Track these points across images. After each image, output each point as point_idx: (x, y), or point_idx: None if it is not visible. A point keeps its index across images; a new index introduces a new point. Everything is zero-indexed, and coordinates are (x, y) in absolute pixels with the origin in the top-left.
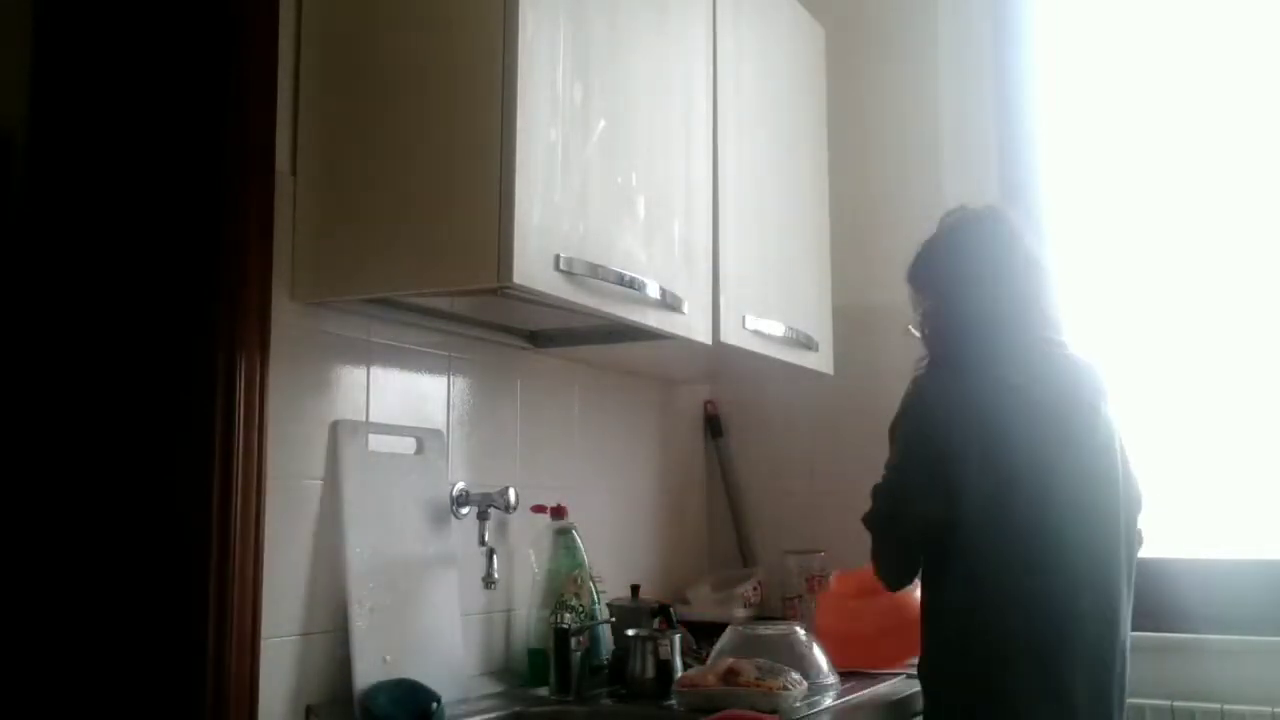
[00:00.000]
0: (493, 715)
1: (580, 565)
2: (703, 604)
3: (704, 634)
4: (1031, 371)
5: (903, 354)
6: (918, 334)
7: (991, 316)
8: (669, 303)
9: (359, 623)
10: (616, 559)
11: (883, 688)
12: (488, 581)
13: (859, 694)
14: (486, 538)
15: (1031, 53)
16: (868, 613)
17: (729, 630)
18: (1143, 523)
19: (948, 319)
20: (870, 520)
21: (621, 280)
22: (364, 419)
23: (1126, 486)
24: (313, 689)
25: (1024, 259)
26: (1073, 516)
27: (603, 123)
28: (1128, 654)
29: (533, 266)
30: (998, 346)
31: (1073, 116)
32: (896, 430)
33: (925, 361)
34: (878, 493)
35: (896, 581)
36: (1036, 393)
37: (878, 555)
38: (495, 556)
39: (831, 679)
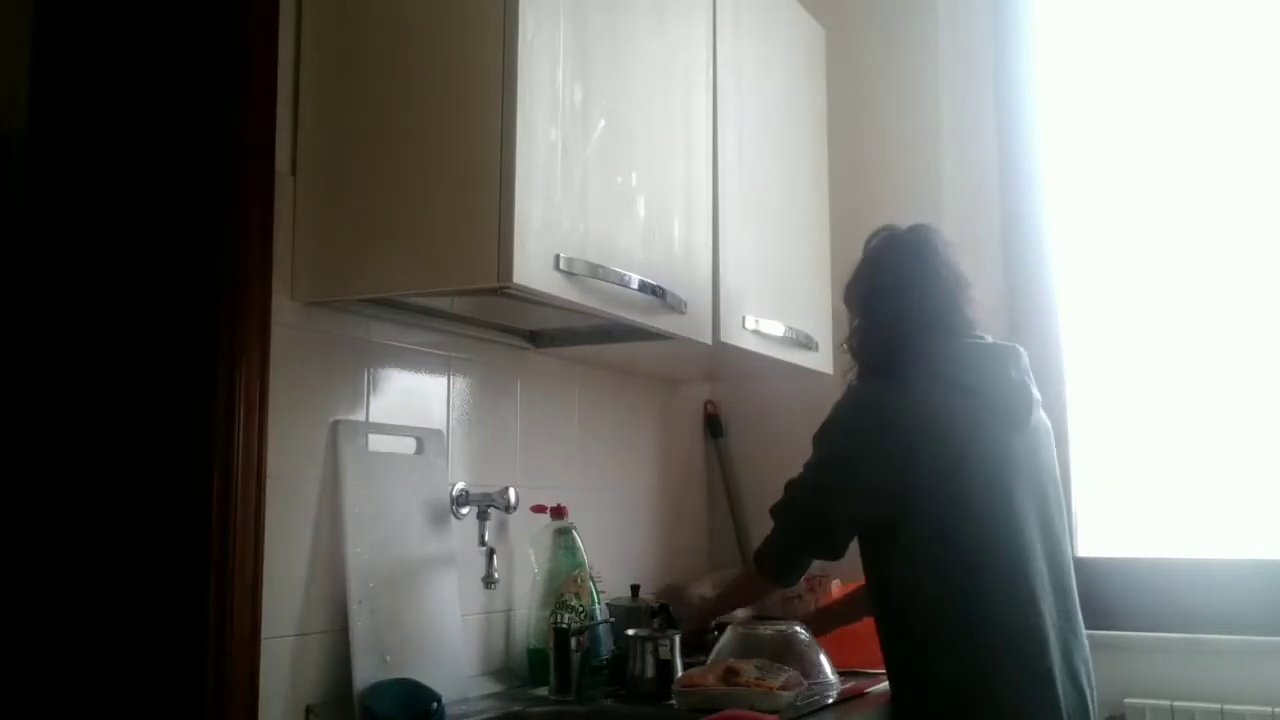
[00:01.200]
0: (493, 715)
1: (580, 565)
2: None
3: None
4: (963, 363)
5: None
6: (848, 350)
7: (918, 324)
8: (669, 303)
9: (359, 623)
10: (616, 559)
11: (882, 687)
12: (488, 581)
13: (859, 694)
14: (486, 538)
15: (1031, 53)
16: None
17: (729, 630)
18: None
19: (877, 331)
20: (782, 511)
21: (621, 280)
22: (364, 419)
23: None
24: (313, 689)
25: (944, 270)
26: (1026, 504)
27: (603, 123)
28: (1084, 639)
29: (533, 266)
30: (927, 348)
31: (1073, 116)
32: (828, 434)
33: (855, 372)
34: (797, 486)
35: (788, 575)
36: (972, 379)
37: (774, 546)
38: (495, 556)
39: (831, 679)
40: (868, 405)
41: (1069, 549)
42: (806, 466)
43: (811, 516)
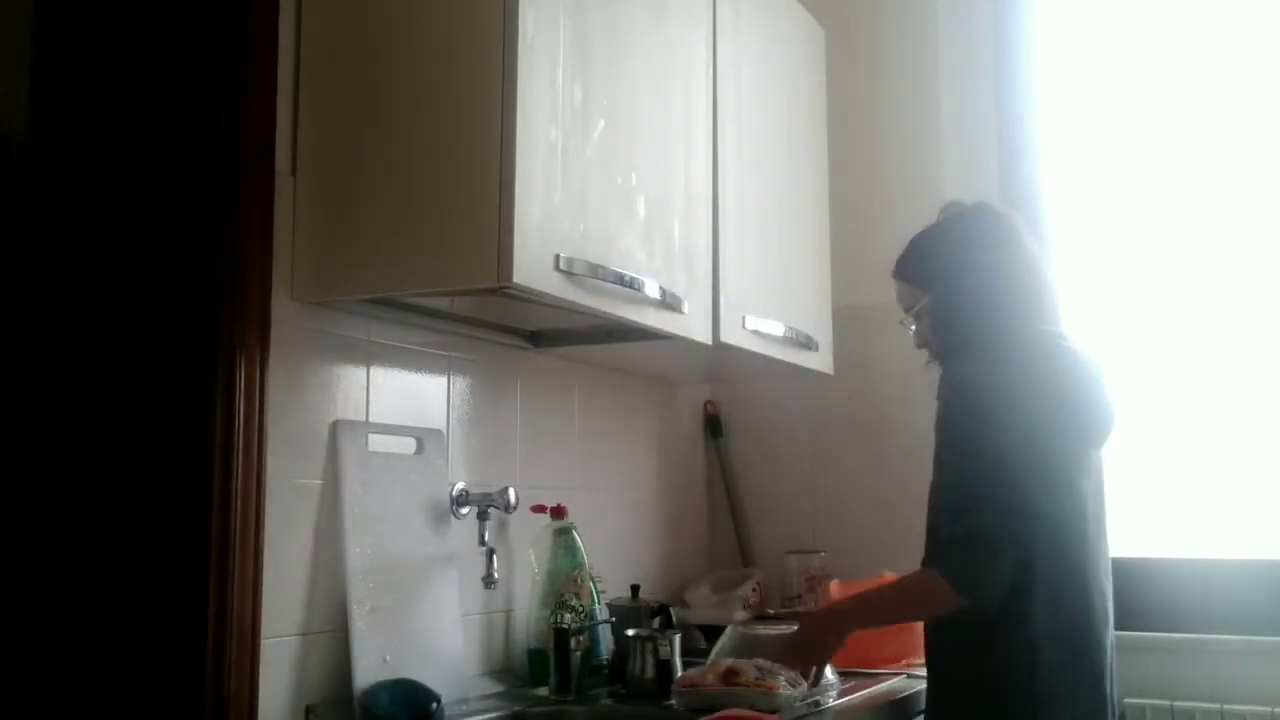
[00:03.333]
0: (493, 715)
1: (580, 565)
2: (702, 605)
3: (708, 636)
4: (1056, 366)
5: (902, 354)
6: (913, 327)
7: (994, 307)
8: (669, 303)
9: (359, 623)
10: (616, 559)
11: (882, 688)
12: (488, 581)
13: (859, 694)
14: (486, 538)
15: (1031, 52)
16: None
17: (729, 630)
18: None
19: (956, 309)
20: (966, 526)
21: (621, 280)
22: (364, 419)
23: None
24: (313, 689)
25: (1022, 252)
26: (1091, 511)
27: (603, 123)
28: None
29: (533, 266)
30: (1011, 338)
31: (1073, 116)
32: (963, 425)
33: (938, 354)
34: (964, 497)
35: (996, 595)
36: (1067, 390)
37: (972, 562)
38: (495, 556)
39: (832, 678)
40: (983, 384)
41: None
42: (961, 472)
43: (1018, 520)
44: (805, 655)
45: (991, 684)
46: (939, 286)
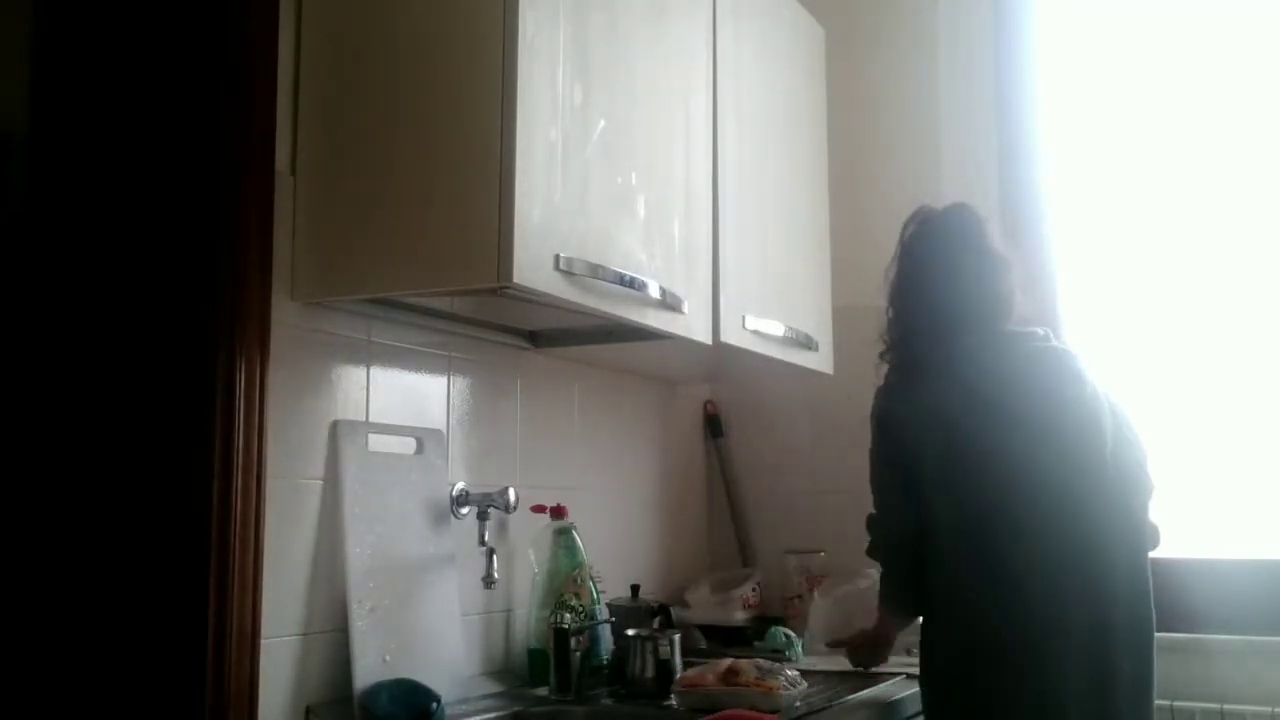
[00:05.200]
0: (493, 715)
1: (580, 565)
2: (702, 605)
3: (708, 636)
4: (988, 368)
5: None
6: (882, 344)
7: (946, 317)
8: (669, 303)
9: (359, 623)
10: (616, 559)
11: (882, 688)
12: (488, 581)
13: (859, 694)
14: (486, 538)
15: (1031, 52)
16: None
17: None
18: (1154, 516)
19: (906, 325)
20: (871, 552)
21: (621, 280)
22: (364, 419)
23: (1122, 477)
24: (313, 689)
25: (976, 254)
26: (1047, 515)
27: (603, 123)
28: (1146, 652)
29: (533, 266)
30: (956, 347)
31: (1073, 116)
32: (872, 447)
33: (885, 371)
34: (870, 522)
35: (906, 608)
36: (991, 390)
37: (884, 584)
38: (495, 556)
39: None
40: (876, 411)
41: (1106, 551)
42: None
43: (890, 546)
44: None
45: (941, 687)
46: (893, 304)
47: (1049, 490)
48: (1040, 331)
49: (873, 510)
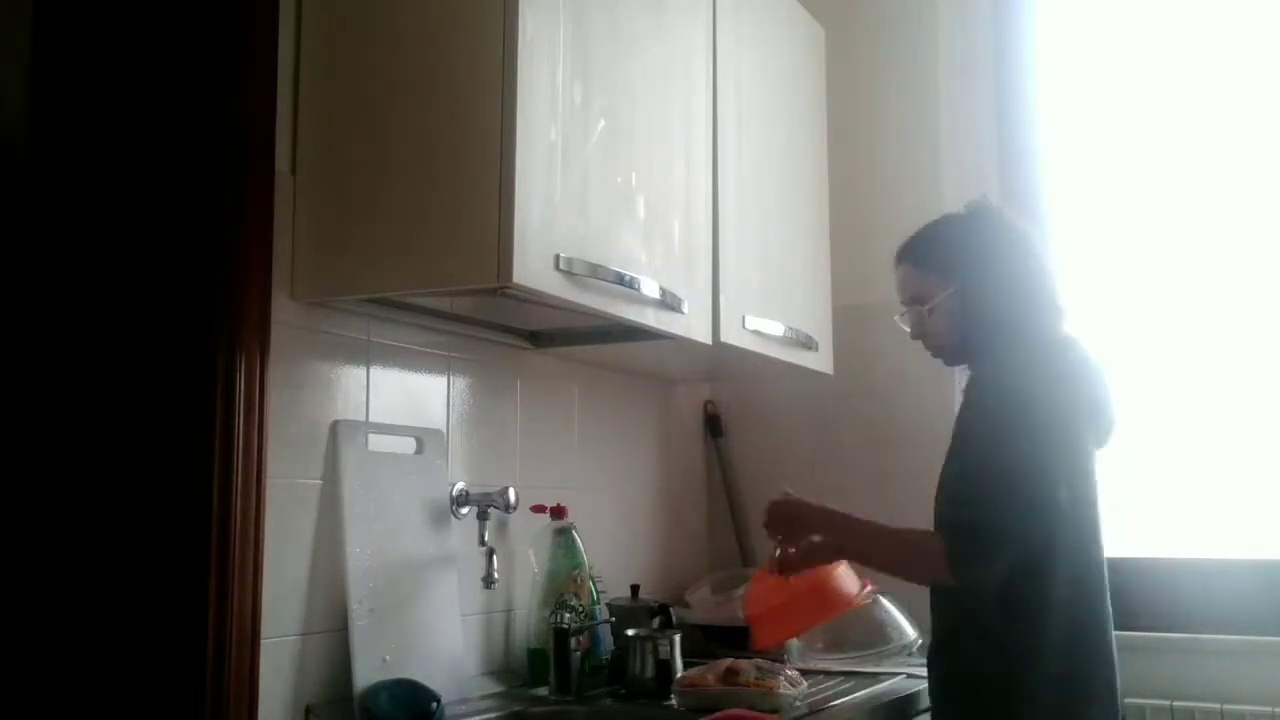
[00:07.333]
0: (493, 715)
1: (580, 565)
2: (702, 605)
3: (708, 636)
4: (1073, 368)
5: (902, 354)
6: (928, 315)
7: (1018, 305)
8: (669, 303)
9: (359, 623)
10: (616, 559)
11: (883, 687)
12: (488, 581)
13: (859, 694)
14: (486, 538)
15: (1031, 52)
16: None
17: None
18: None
19: (985, 302)
20: (993, 515)
21: (621, 280)
22: (364, 419)
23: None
24: (313, 689)
25: (1037, 255)
26: (1096, 520)
27: (603, 123)
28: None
29: (533, 266)
30: (1033, 336)
31: (1073, 116)
32: (998, 417)
33: (955, 347)
34: (995, 493)
35: (984, 586)
36: (1083, 392)
37: (979, 557)
38: (495, 556)
39: (913, 635)
40: (1026, 387)
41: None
42: (1004, 460)
43: (1033, 518)
44: (788, 527)
45: (999, 688)
46: (967, 276)
47: (1096, 496)
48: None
49: (975, 478)
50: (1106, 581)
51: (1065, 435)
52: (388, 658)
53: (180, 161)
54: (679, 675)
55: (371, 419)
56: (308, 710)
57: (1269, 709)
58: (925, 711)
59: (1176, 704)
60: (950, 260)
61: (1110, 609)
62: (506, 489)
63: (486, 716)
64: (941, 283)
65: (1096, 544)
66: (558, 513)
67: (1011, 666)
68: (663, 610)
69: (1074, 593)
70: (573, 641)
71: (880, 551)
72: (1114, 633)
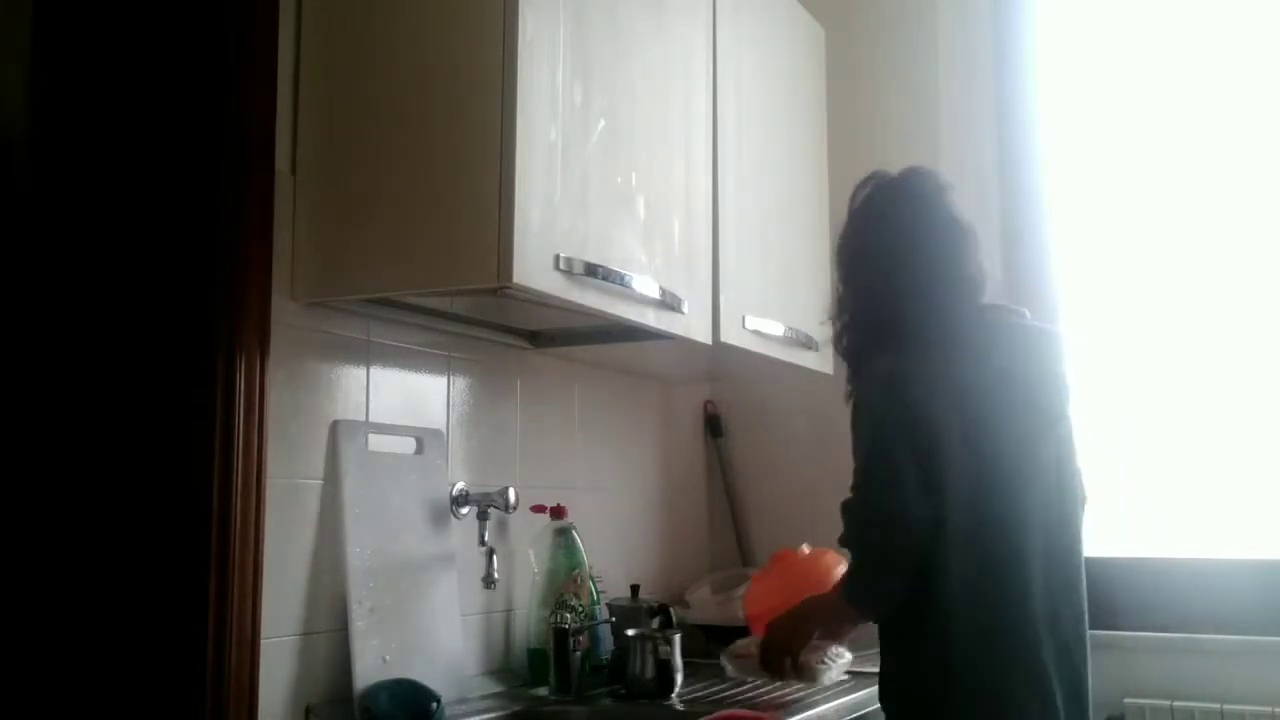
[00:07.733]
0: (493, 715)
1: (580, 565)
2: (702, 605)
3: (708, 636)
4: (1000, 341)
5: None
6: (838, 322)
7: (930, 285)
8: (669, 303)
9: (359, 623)
10: (616, 559)
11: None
12: (488, 581)
13: (859, 693)
14: (486, 538)
15: (1032, 52)
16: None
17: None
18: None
19: (883, 293)
20: (858, 540)
21: (621, 280)
22: (364, 419)
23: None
24: (313, 689)
25: (945, 220)
26: (1045, 506)
27: (603, 123)
28: (1083, 651)
29: (533, 266)
30: (952, 316)
31: (1073, 116)
32: (865, 427)
33: (858, 347)
34: (855, 507)
35: (889, 604)
36: (1006, 365)
37: (864, 578)
38: (495, 556)
39: (844, 651)
40: (886, 380)
41: (1078, 546)
42: (859, 474)
43: (897, 531)
44: (778, 650)
45: (921, 705)
46: (848, 275)
47: (1042, 478)
48: (1021, 309)
49: (856, 492)
50: (1032, 577)
51: (967, 424)
52: (388, 658)
53: (180, 161)
54: (733, 645)
55: (371, 419)
56: (308, 710)
57: (1269, 709)
58: None
59: (1176, 704)
60: (844, 258)
61: (1039, 603)
62: (506, 489)
63: (486, 716)
64: (836, 284)
65: (1007, 541)
66: (557, 513)
67: (923, 682)
68: (663, 610)
69: (973, 598)
70: (573, 641)
71: (828, 618)
72: (1077, 627)
